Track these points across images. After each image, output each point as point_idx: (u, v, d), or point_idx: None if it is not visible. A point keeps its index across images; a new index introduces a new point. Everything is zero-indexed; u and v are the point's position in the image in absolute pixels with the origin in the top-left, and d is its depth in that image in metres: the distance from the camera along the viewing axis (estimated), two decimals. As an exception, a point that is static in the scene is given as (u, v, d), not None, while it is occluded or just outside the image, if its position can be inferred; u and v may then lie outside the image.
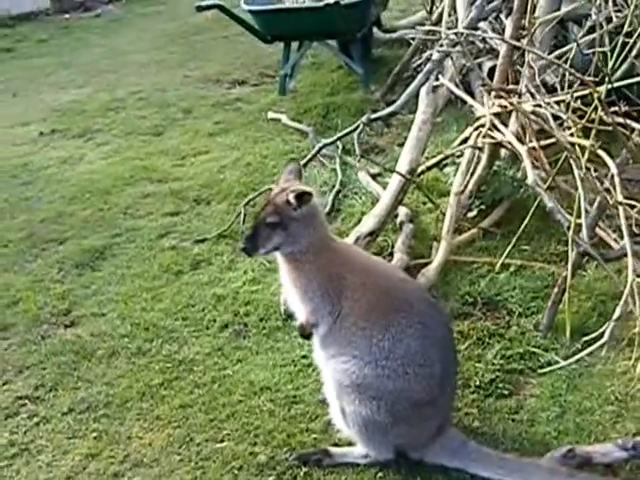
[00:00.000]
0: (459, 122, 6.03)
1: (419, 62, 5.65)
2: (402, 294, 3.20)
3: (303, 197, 3.18)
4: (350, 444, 3.33)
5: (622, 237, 4.04)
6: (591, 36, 4.79)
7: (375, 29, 8.09)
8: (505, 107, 4.41)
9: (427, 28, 5.06)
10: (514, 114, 4.61)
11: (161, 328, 4.28)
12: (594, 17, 4.70)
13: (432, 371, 3.12)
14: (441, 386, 3.16)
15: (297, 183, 3.31)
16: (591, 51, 4.29)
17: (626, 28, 4.06)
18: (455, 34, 5.27)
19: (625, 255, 3.86)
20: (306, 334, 3.29)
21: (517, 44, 4.42)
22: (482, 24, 5.97)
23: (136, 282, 4.72)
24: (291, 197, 3.18)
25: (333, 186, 5.54)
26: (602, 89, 4.01)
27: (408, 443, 3.22)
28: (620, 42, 4.03)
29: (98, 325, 4.36)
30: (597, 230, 4.31)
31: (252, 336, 4.18)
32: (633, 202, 3.75)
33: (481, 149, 4.67)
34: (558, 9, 5.45)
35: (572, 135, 4.18)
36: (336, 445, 3.38)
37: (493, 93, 4.64)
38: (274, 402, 3.69)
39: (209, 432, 3.54)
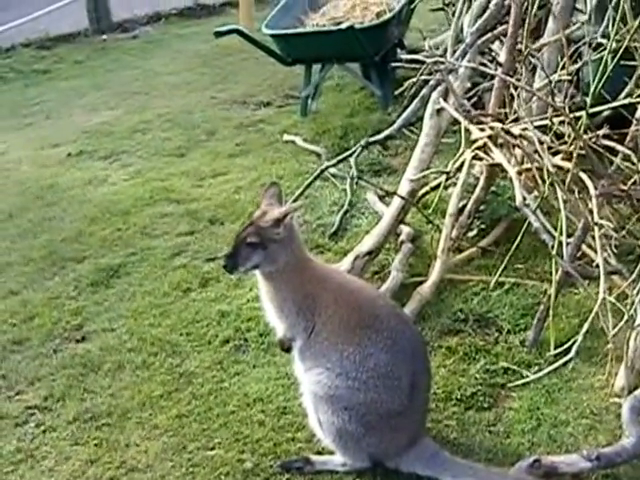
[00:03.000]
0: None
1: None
2: (373, 310, 3.40)
3: (286, 219, 3.40)
4: (331, 453, 3.51)
5: (612, 256, 4.23)
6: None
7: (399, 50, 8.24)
8: (492, 129, 4.57)
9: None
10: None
11: (166, 343, 4.52)
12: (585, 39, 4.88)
13: (401, 384, 3.32)
14: (411, 398, 3.34)
15: (278, 206, 3.52)
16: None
17: (608, 49, 4.19)
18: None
19: (610, 273, 4.05)
20: (285, 348, 3.53)
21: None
22: (495, 45, 6.17)
23: (146, 299, 4.96)
24: (287, 219, 3.40)
25: (342, 206, 5.73)
26: (584, 115, 4.17)
27: (382, 452, 3.40)
28: (603, 64, 4.18)
29: (107, 340, 4.61)
30: (587, 249, 4.48)
31: (251, 350, 4.39)
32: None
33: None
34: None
35: (568, 159, 4.36)
36: (319, 454, 3.57)
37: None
38: (265, 413, 3.89)
39: (202, 440, 3.76)
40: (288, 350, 3.53)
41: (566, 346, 3.83)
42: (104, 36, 12.01)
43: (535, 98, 4.97)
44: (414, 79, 5.42)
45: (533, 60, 5.15)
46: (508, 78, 4.69)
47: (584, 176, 4.11)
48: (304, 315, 3.40)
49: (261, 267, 3.44)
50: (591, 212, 3.99)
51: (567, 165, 4.23)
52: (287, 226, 3.40)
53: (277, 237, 3.40)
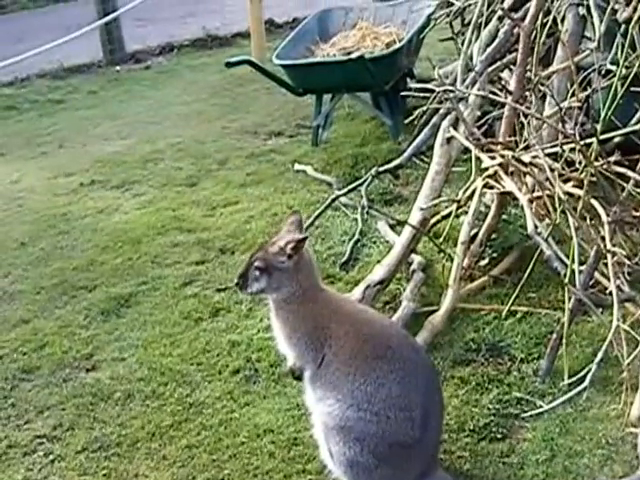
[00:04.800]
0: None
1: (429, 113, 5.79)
2: (384, 341, 3.38)
3: (297, 247, 3.40)
4: (342, 485, 3.49)
5: (625, 283, 4.20)
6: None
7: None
8: (502, 157, 4.56)
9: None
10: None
11: (176, 372, 4.49)
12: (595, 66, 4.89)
13: (413, 415, 3.28)
14: (423, 429, 3.30)
15: (296, 234, 3.51)
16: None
17: (618, 76, 4.20)
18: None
19: (623, 301, 4.01)
20: (295, 376, 3.52)
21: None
22: (504, 74, 6.17)
23: (157, 328, 4.94)
24: (289, 248, 3.40)
25: (353, 235, 5.71)
26: (594, 142, 4.17)
27: (394, 484, 3.36)
28: (613, 90, 4.19)
29: (117, 369, 4.59)
30: (600, 277, 4.45)
31: (262, 381, 4.36)
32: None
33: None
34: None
35: (579, 186, 4.34)
36: (329, 485, 3.55)
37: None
38: (275, 444, 3.86)
39: (211, 472, 3.74)
40: (299, 378, 3.51)
41: (580, 375, 3.80)
42: (117, 67, 12.05)
43: (545, 126, 4.97)
44: (424, 108, 5.42)
45: (543, 88, 5.15)
46: (518, 106, 4.69)
47: (596, 203, 4.10)
48: (313, 346, 3.38)
49: (266, 292, 3.47)
50: (603, 239, 3.98)
51: (578, 192, 4.22)
52: (293, 256, 3.40)
53: (281, 266, 3.40)
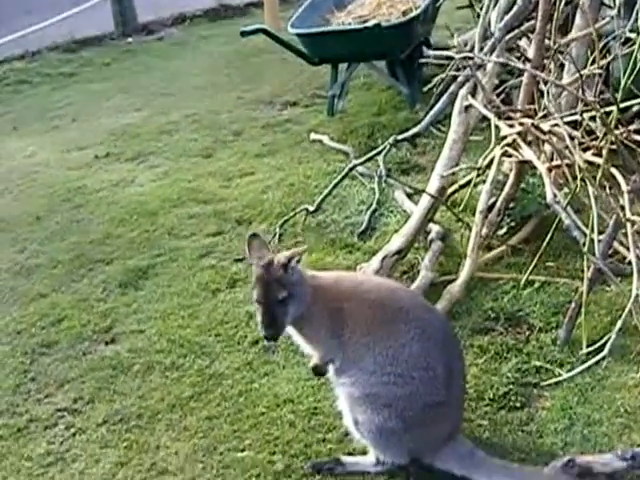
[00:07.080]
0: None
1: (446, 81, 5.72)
2: (395, 303, 3.40)
3: (292, 261, 3.35)
4: (363, 454, 3.49)
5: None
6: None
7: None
8: (521, 125, 4.52)
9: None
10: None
11: (195, 344, 4.51)
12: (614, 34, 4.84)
13: (437, 373, 3.29)
14: (448, 386, 3.32)
15: (271, 254, 3.42)
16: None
17: (638, 44, 4.16)
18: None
19: (641, 270, 3.98)
20: (322, 372, 3.50)
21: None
22: (522, 42, 6.11)
23: (175, 300, 4.95)
24: (293, 263, 3.33)
25: (371, 205, 5.69)
26: (614, 110, 4.13)
27: (422, 446, 3.37)
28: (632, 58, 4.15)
29: (136, 341, 4.61)
30: (619, 246, 4.43)
31: (281, 351, 4.35)
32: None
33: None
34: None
35: (599, 155, 4.30)
36: (350, 454, 3.55)
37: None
38: (295, 414, 3.88)
39: (232, 442, 3.76)
40: (323, 374, 3.51)
41: (599, 344, 3.79)
42: (130, 39, 12.00)
43: (564, 94, 4.93)
44: (442, 75, 5.38)
45: (561, 56, 5.10)
46: (538, 73, 4.63)
47: (615, 172, 4.06)
48: (336, 334, 3.36)
49: (297, 313, 3.36)
50: (623, 208, 3.94)
51: (598, 161, 4.18)
52: (294, 267, 3.35)
53: (294, 279, 3.35)
